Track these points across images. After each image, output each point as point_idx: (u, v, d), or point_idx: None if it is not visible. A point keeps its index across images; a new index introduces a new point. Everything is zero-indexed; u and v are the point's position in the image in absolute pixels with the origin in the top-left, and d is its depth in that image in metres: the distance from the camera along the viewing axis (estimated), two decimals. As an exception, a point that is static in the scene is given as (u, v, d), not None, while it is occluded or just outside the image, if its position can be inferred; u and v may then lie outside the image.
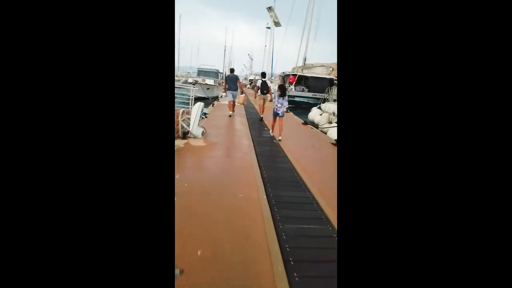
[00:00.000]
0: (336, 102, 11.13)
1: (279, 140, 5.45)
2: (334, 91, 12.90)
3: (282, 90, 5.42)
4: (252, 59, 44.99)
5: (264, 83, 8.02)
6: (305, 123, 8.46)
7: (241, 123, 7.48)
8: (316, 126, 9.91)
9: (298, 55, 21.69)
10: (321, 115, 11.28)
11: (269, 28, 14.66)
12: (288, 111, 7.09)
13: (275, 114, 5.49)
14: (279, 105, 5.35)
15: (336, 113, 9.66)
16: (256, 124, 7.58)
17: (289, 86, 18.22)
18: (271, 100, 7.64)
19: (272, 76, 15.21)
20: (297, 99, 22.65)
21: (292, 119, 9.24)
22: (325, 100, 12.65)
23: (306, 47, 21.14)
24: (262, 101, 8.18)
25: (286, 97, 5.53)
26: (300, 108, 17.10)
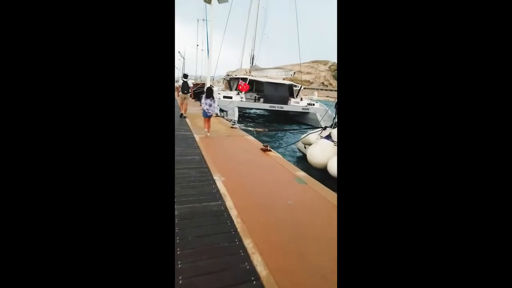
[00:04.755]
0: None
1: (208, 135, 5.49)
2: None
3: (208, 92, 5.58)
4: (184, 58, 37.56)
5: (184, 83, 8.06)
6: None
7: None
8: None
9: (243, 53, 16.54)
10: None
11: (208, 2, 8.86)
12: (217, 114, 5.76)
13: (205, 115, 5.50)
14: (207, 106, 5.42)
15: None
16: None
17: (239, 94, 12.91)
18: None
19: (213, 79, 9.75)
20: (249, 111, 17.46)
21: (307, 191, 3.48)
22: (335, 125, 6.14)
23: (254, 43, 16.14)
24: (183, 99, 8.11)
25: (215, 99, 5.60)
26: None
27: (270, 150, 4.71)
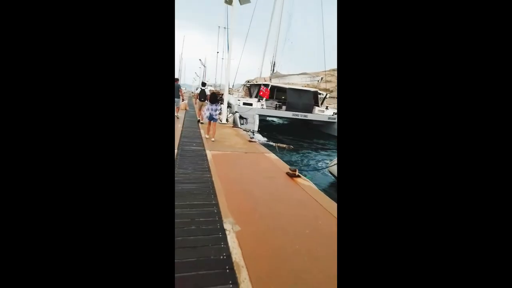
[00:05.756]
0: None
1: (213, 141, 5.54)
2: None
3: (213, 97, 5.81)
4: (205, 66, 37.89)
5: (202, 91, 8.69)
6: None
7: None
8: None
9: (263, 59, 15.64)
10: None
11: (229, 3, 8.05)
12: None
13: (210, 118, 5.76)
14: (212, 111, 5.67)
15: None
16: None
17: (260, 100, 12.04)
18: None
19: (232, 87, 9.05)
20: (269, 119, 16.50)
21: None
22: None
23: (275, 49, 15.18)
24: (200, 106, 8.66)
25: (219, 104, 5.93)
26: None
27: (299, 176, 3.68)
